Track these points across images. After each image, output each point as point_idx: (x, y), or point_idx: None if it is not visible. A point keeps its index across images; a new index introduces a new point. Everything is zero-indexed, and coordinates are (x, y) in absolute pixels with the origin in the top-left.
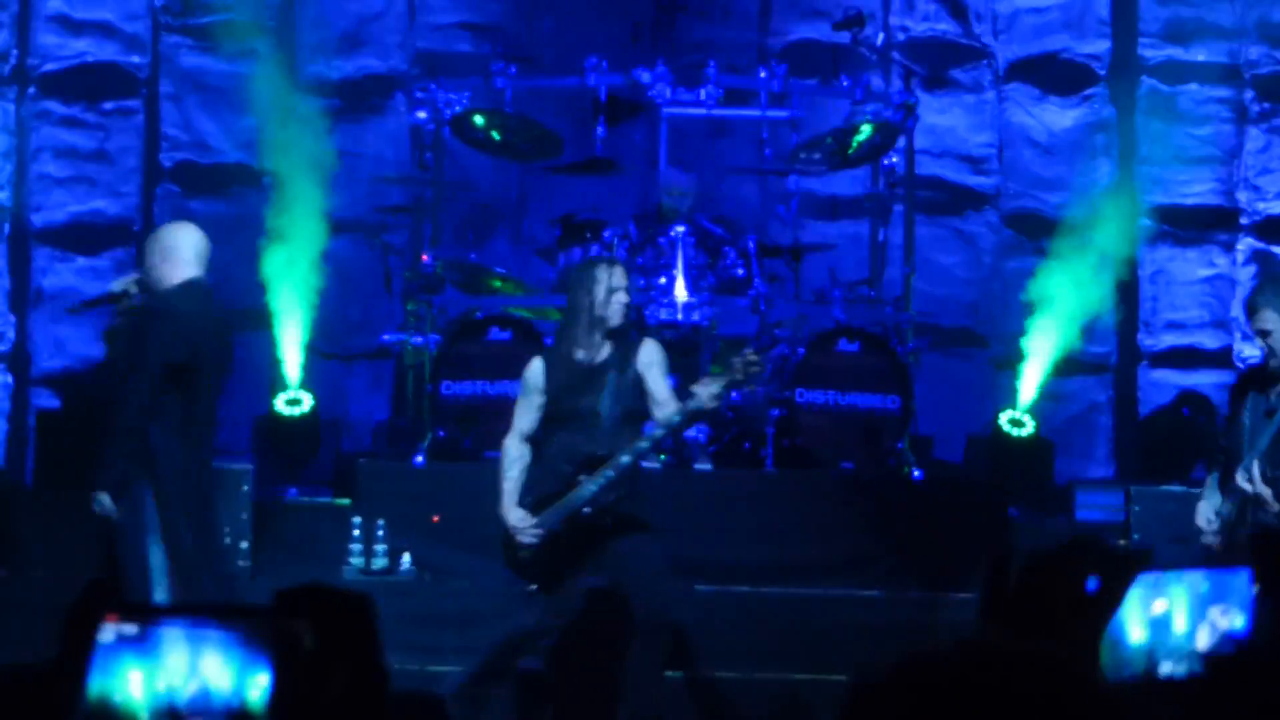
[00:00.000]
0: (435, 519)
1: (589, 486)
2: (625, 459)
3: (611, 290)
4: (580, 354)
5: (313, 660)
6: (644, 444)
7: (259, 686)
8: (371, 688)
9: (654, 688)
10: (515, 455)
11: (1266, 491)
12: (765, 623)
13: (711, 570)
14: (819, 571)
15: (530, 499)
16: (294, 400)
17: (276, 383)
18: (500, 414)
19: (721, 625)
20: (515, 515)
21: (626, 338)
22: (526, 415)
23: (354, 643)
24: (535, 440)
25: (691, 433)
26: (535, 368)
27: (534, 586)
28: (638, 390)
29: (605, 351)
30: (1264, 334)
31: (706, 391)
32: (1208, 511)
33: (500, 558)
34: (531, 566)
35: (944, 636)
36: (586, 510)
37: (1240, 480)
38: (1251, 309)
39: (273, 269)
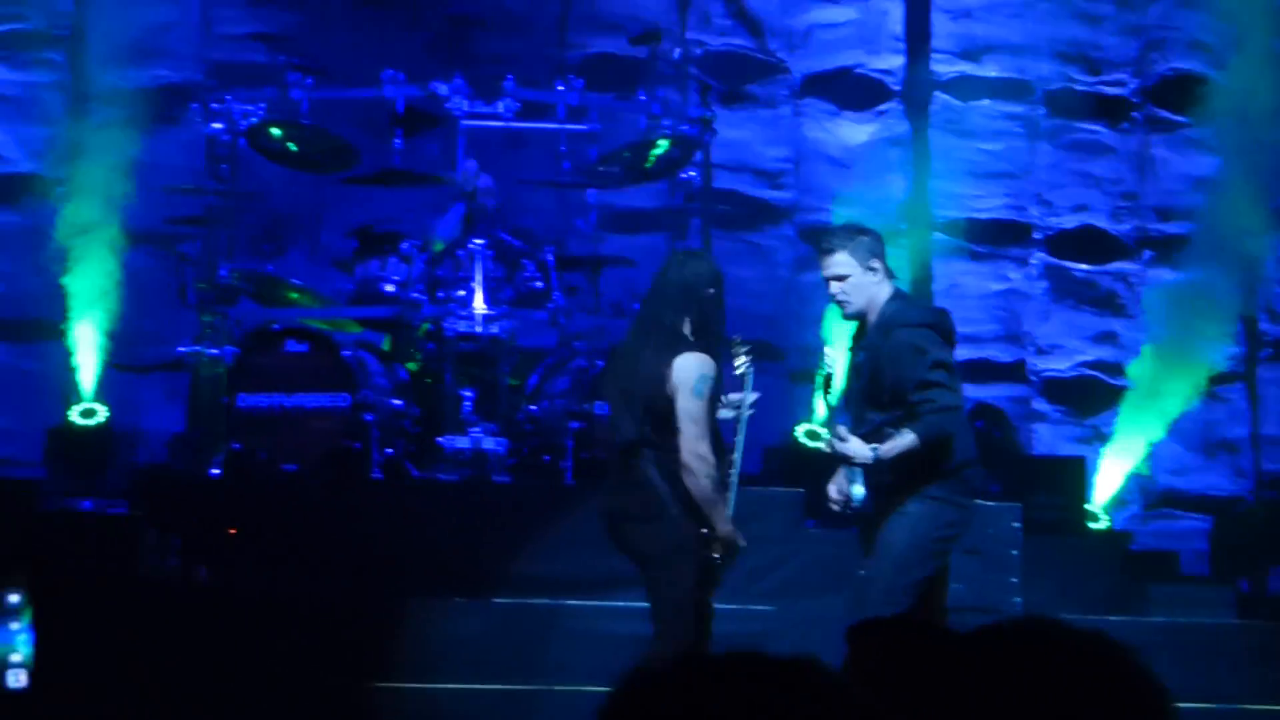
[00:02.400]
0: (232, 531)
1: (733, 484)
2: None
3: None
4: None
5: None
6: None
7: None
8: None
9: None
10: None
11: (849, 446)
12: (566, 635)
13: (511, 583)
14: (620, 584)
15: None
16: (88, 411)
17: (70, 394)
18: (296, 426)
19: (520, 638)
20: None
21: None
22: (712, 415)
23: None
24: None
25: (490, 445)
26: (710, 361)
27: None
28: None
29: None
30: (839, 279)
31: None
32: (840, 482)
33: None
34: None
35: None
36: None
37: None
38: (824, 253)
39: (66, 280)
